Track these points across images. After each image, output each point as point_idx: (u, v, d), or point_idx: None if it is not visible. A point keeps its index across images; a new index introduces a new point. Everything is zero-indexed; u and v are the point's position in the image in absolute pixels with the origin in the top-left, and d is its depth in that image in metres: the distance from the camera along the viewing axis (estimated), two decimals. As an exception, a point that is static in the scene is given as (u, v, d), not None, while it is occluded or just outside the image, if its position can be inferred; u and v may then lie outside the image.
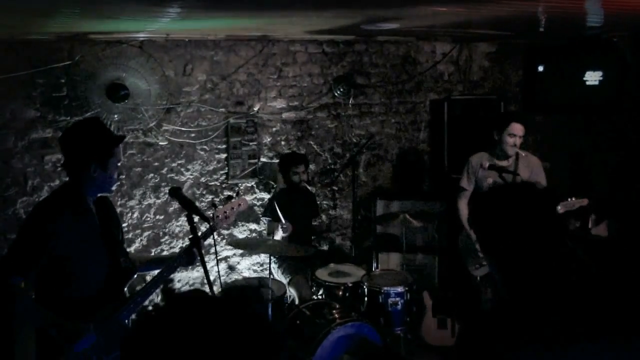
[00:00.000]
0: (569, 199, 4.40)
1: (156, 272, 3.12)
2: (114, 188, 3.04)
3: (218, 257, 5.42)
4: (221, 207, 3.46)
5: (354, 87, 6.16)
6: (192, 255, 3.09)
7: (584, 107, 6.16)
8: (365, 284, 4.89)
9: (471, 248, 4.72)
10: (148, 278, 4.19)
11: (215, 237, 3.32)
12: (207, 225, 3.16)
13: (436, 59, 6.54)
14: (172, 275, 5.37)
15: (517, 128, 4.48)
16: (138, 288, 3.14)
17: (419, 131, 6.59)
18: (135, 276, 3.18)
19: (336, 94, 6.09)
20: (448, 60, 6.59)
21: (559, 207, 4.43)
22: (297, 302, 4.93)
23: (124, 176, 5.15)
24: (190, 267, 3.27)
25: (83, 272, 2.82)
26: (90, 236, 2.86)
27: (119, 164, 2.96)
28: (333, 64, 6.07)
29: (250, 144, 5.74)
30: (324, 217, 6.15)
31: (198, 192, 5.58)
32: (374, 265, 5.92)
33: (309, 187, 5.70)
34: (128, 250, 5.16)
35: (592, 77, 6.03)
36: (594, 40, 5.99)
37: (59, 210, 2.79)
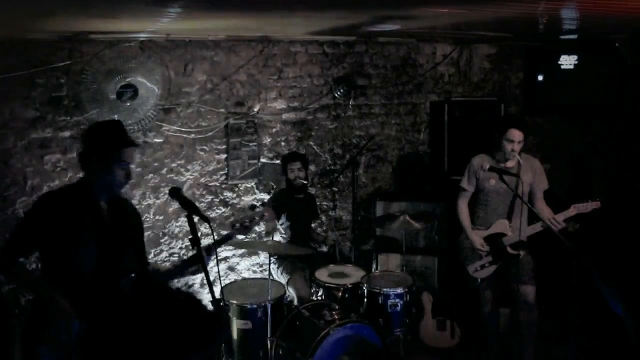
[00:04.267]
0: (584, 202, 4.39)
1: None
2: (122, 190, 3.14)
3: (217, 258, 5.40)
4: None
5: (354, 88, 6.16)
6: (193, 263, 3.22)
7: (584, 109, 6.17)
8: (365, 285, 4.89)
9: (471, 250, 4.71)
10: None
11: (215, 237, 3.32)
12: (207, 226, 3.15)
13: (436, 61, 6.54)
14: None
15: (515, 134, 4.46)
16: None
17: (419, 132, 6.59)
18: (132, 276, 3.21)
19: (336, 95, 6.09)
20: (448, 61, 6.59)
21: (570, 209, 4.42)
22: (295, 301, 4.94)
23: (134, 180, 5.15)
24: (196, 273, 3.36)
25: (72, 260, 2.96)
26: (86, 229, 2.97)
27: (130, 167, 3.05)
28: (333, 65, 6.07)
29: (250, 144, 5.73)
30: (323, 218, 6.15)
31: (198, 192, 5.58)
32: (374, 266, 5.91)
33: (309, 189, 5.69)
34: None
35: (567, 61, 6.05)
36: (594, 42, 5.99)
37: (57, 199, 3.00)
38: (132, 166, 3.08)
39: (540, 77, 6.25)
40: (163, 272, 3.41)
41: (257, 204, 4.48)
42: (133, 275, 3.17)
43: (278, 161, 5.66)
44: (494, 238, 4.63)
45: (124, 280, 3.06)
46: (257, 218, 3.46)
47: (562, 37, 5.82)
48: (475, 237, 4.65)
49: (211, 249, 3.24)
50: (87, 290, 2.95)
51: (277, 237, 5.01)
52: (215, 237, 3.33)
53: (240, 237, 3.65)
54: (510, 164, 4.59)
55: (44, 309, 2.91)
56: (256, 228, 3.67)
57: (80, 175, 3.10)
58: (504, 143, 4.50)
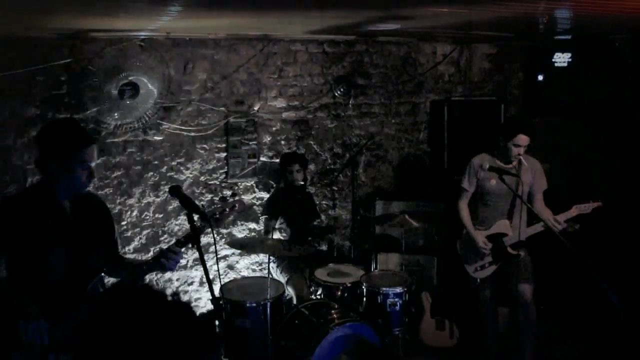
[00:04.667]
0: (586, 203, 4.41)
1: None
2: (86, 189, 3.01)
3: (217, 256, 5.41)
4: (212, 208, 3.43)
5: (354, 87, 6.16)
6: (162, 264, 3.05)
7: (585, 109, 6.17)
8: (364, 284, 4.89)
9: (472, 250, 4.71)
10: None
11: (215, 236, 3.27)
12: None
13: (437, 60, 6.54)
14: (167, 274, 5.38)
15: (524, 139, 4.47)
16: None
17: (418, 132, 6.59)
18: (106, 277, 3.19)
19: (336, 94, 6.09)
20: (448, 61, 6.59)
21: (572, 210, 4.43)
22: (295, 300, 4.94)
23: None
24: (168, 271, 3.20)
25: (42, 265, 2.87)
26: (52, 232, 2.87)
27: (92, 165, 2.89)
28: (333, 64, 6.07)
29: (250, 143, 5.73)
30: (323, 217, 6.15)
31: (197, 190, 5.58)
32: (373, 265, 5.91)
33: (307, 188, 5.69)
34: (127, 249, 5.16)
35: (561, 59, 6.05)
36: (594, 42, 5.99)
37: (20, 204, 2.88)
38: (93, 164, 2.90)
39: (540, 77, 6.26)
40: (134, 266, 3.28)
41: (227, 195, 4.41)
42: (102, 274, 3.13)
43: (278, 160, 5.67)
44: (495, 238, 4.63)
45: (91, 284, 2.99)
46: (227, 210, 3.34)
47: (561, 37, 5.83)
48: (478, 236, 4.65)
49: (182, 244, 3.07)
50: (56, 293, 2.86)
51: (277, 236, 5.01)
52: (184, 234, 3.20)
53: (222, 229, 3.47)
54: (511, 164, 4.59)
55: (13, 314, 2.80)
56: (228, 220, 3.48)
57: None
58: (511, 147, 4.49)
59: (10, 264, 2.90)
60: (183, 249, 3.08)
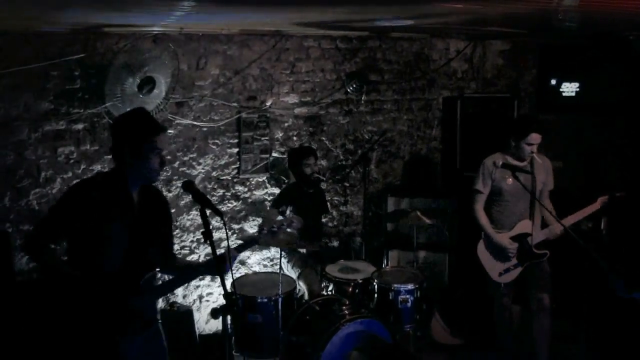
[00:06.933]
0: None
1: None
2: (158, 178, 3.13)
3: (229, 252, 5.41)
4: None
5: (366, 83, 6.15)
6: (222, 263, 3.18)
7: (598, 106, 6.13)
8: (376, 280, 4.89)
9: (496, 253, 4.64)
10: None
11: (227, 231, 3.32)
12: (219, 219, 3.15)
13: (450, 56, 6.52)
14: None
15: (536, 138, 4.43)
16: None
17: (431, 129, 6.57)
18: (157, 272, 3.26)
19: (349, 90, 6.09)
20: (461, 57, 6.57)
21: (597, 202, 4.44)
22: (306, 296, 4.95)
23: (168, 168, 5.22)
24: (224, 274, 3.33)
25: (101, 252, 2.95)
26: (117, 220, 2.96)
27: (162, 154, 3.02)
28: (346, 60, 6.06)
29: (262, 138, 5.74)
30: (334, 213, 6.15)
31: (209, 186, 5.59)
32: (384, 262, 5.91)
33: (321, 183, 5.69)
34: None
35: (569, 88, 6.07)
36: (609, 38, 5.94)
37: (90, 188, 2.98)
38: (164, 152, 3.05)
39: (553, 82, 6.22)
40: (188, 267, 3.38)
41: (288, 210, 4.51)
42: (158, 270, 3.21)
43: (287, 157, 5.67)
44: (519, 239, 4.55)
45: (145, 277, 3.06)
46: (285, 225, 3.44)
47: (575, 34, 5.78)
48: (503, 238, 4.57)
49: (238, 250, 3.29)
50: (111, 282, 2.94)
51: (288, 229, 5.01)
52: (240, 241, 3.34)
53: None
54: (524, 163, 4.54)
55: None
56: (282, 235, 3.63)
57: (90, 167, 3.08)
58: (524, 146, 4.44)
59: (71, 249, 3.01)
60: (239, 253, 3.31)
